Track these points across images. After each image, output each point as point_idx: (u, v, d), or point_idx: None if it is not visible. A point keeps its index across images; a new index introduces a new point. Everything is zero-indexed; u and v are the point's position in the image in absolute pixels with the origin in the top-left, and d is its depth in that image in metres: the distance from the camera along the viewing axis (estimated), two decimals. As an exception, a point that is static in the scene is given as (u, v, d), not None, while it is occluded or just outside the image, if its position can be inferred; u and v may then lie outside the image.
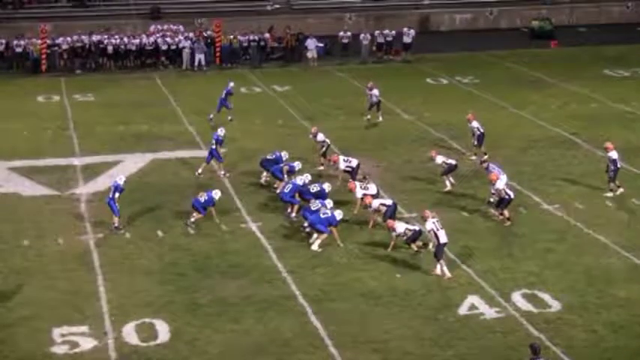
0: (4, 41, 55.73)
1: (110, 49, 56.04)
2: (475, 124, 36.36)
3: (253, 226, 29.96)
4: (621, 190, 32.67)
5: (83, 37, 56.19)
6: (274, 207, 31.50)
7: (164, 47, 56.53)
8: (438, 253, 26.27)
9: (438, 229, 26.46)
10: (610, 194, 32.52)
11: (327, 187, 30.69)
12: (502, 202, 30.13)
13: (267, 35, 58.81)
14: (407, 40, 59.00)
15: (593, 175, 34.46)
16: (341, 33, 59.18)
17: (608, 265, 26.82)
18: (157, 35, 57.44)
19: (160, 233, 29.44)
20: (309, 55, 57.26)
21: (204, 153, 36.58)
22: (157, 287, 25.56)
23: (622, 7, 72.35)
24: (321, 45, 58.29)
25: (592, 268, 26.63)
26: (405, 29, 59.14)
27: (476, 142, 36.31)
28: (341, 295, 25.02)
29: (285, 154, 33.45)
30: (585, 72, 53.09)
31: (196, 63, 55.97)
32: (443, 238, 26.38)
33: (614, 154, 32.53)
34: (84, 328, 23.27)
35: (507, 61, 56.66)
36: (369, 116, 41.51)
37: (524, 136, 38.83)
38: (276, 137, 39.04)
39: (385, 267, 26.62)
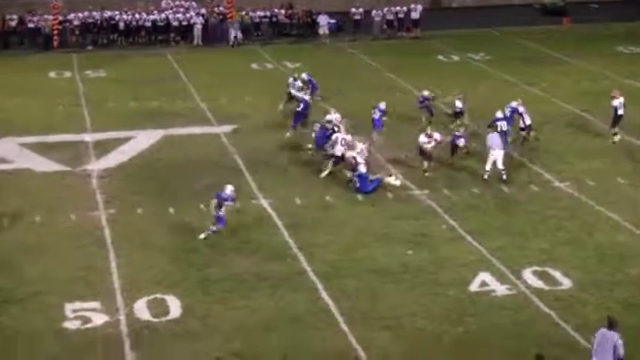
0: (16, 17, 55.72)
1: (122, 25, 56.02)
2: (616, 102, 35.44)
3: (264, 203, 29.92)
4: (618, 137, 34.12)
5: (94, 13, 56.14)
6: (285, 183, 31.46)
7: (175, 23, 56.44)
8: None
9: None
10: (617, 138, 34.37)
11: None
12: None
13: (280, 11, 58.66)
14: (415, 16, 58.90)
15: (605, 152, 34.38)
16: (353, 9, 58.99)
17: (620, 242, 26.72)
18: (169, 11, 57.35)
19: (171, 209, 29.43)
20: (321, 31, 57.12)
21: (216, 129, 36.66)
22: (169, 263, 25.57)
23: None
24: (332, 22, 58.14)
25: (603, 245, 26.54)
26: (412, 5, 59.01)
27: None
28: (352, 272, 24.98)
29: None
30: (597, 48, 52.84)
31: (232, 38, 55.90)
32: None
33: (615, 102, 34.67)
34: (96, 304, 23.27)
35: (519, 38, 56.43)
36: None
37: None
38: (287, 114, 38.84)
39: (396, 244, 26.56)
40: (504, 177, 31.40)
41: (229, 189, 27.39)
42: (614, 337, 18.58)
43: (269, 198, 30.26)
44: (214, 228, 27.04)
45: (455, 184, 31.28)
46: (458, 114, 36.68)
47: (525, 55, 51.23)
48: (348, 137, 32.40)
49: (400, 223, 28.15)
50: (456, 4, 69.22)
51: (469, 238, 27.01)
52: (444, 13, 64.97)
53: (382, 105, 35.76)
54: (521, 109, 35.01)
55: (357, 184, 30.53)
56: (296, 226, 27.98)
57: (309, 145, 33.81)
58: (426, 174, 32.16)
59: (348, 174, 31.34)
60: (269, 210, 29.38)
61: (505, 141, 33.03)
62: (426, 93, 37.97)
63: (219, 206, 27.00)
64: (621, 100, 35.71)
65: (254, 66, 50.12)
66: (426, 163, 32.48)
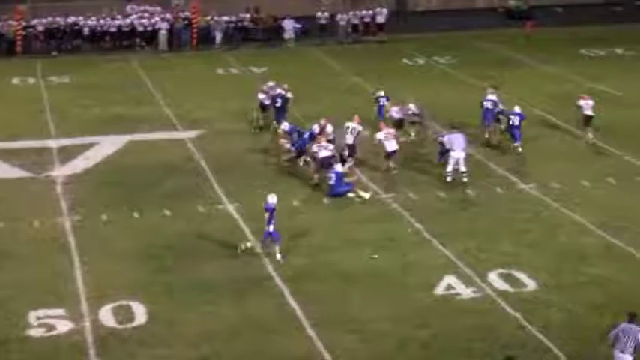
0: (-21, 23, 55.43)
1: (86, 30, 55.79)
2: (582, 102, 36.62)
3: (231, 208, 29.90)
4: (590, 136, 35.58)
5: (59, 18, 55.90)
6: (252, 188, 31.45)
7: (140, 29, 56.31)
8: None
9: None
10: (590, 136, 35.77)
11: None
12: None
13: (245, 16, 58.64)
14: (380, 20, 59.13)
15: (569, 155, 34.67)
16: (318, 14, 59.12)
17: (584, 244, 26.92)
18: (133, 17, 57.19)
19: (136, 215, 29.35)
20: (287, 36, 57.18)
21: (181, 135, 36.69)
22: (134, 269, 25.51)
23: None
24: (298, 26, 58.18)
25: (567, 247, 26.74)
26: (378, 9, 59.24)
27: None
28: (319, 276, 25.02)
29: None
30: (561, 52, 53.20)
31: (218, 41, 56.22)
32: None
33: (580, 102, 36.16)
34: (60, 311, 23.17)
35: (484, 41, 56.67)
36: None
37: (495, 126, 38.75)
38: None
39: (362, 248, 26.62)
40: (465, 179, 31.64)
41: (271, 197, 26.46)
42: (636, 330, 19.07)
43: (235, 203, 30.24)
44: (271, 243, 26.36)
45: (420, 188, 31.40)
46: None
47: (490, 59, 51.47)
48: (359, 127, 33.36)
49: (366, 227, 28.22)
50: (421, 8, 69.39)
51: (435, 241, 27.12)
52: (409, 17, 65.10)
53: (382, 92, 37.89)
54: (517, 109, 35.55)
55: (332, 182, 30.58)
56: (262, 231, 27.84)
57: (299, 159, 33.50)
58: (394, 172, 32.67)
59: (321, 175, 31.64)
60: (235, 215, 29.37)
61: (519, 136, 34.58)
62: (381, 93, 38.15)
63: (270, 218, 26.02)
64: (589, 102, 36.42)
65: (219, 71, 50.09)
66: (386, 163, 32.86)
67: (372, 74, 47.13)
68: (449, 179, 31.65)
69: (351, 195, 30.56)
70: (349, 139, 33.26)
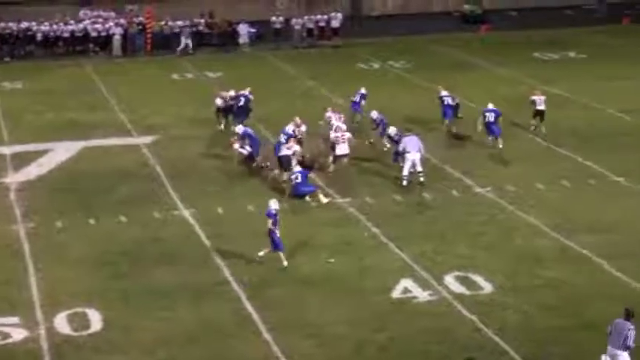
0: None
1: (39, 36, 55.45)
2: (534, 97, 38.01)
3: (186, 213, 29.83)
4: (542, 129, 37.33)
5: (11, 24, 55.49)
6: (207, 193, 31.42)
7: (94, 34, 56.03)
8: None
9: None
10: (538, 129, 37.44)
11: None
12: None
13: (200, 21, 58.53)
14: (335, 24, 59.32)
15: (524, 158, 34.91)
16: (273, 18, 59.19)
17: (539, 246, 27.12)
18: (87, 22, 56.89)
19: (91, 221, 29.21)
20: (242, 40, 57.16)
21: (136, 140, 36.58)
22: (89, 276, 25.37)
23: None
24: (253, 30, 58.19)
25: (523, 249, 26.92)
26: (333, 13, 59.43)
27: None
28: (275, 281, 25.02)
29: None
30: (516, 55, 53.61)
31: (182, 46, 56.02)
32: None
33: (533, 97, 37.70)
34: (15, 319, 22.99)
35: (439, 45, 56.98)
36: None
37: (456, 119, 39.01)
38: (208, 123, 38.79)
39: (319, 252, 26.66)
40: (422, 179, 31.85)
41: (273, 202, 26.25)
42: (627, 326, 19.37)
43: (191, 208, 30.18)
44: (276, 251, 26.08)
45: (376, 191, 31.49)
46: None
47: (445, 62, 51.75)
48: (348, 134, 33.52)
49: (323, 231, 28.27)
50: (376, 12, 69.61)
51: (391, 245, 27.21)
52: (365, 21, 65.30)
53: (363, 90, 38.91)
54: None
55: (299, 180, 30.62)
56: (219, 236, 27.94)
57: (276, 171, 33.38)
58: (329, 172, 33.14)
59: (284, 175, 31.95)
60: (191, 220, 29.31)
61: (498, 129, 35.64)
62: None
63: (273, 225, 25.85)
64: (541, 97, 37.68)
65: (174, 76, 49.99)
66: (332, 164, 33.29)
67: (327, 79, 47.28)
68: (405, 183, 31.79)
69: (308, 199, 30.58)
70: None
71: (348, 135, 33.37)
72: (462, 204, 30.62)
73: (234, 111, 38.03)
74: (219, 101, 38.25)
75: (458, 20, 66.48)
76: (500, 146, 35.53)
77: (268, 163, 33.49)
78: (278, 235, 25.72)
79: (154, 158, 35.21)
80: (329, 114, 36.09)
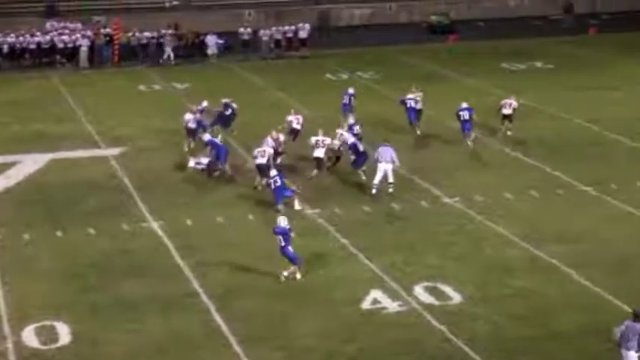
0: None
1: (5, 47, 55.15)
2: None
3: (155, 225, 29.73)
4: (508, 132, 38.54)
5: (-23, 36, 55.26)
6: (175, 205, 31.33)
7: (60, 45, 55.79)
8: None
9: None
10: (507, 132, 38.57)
11: None
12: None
13: (167, 32, 58.42)
14: (303, 35, 59.40)
15: (492, 168, 35.10)
16: (241, 29, 59.20)
17: (508, 256, 27.21)
18: (54, 33, 56.66)
19: (59, 234, 29.06)
20: (210, 51, 57.12)
21: (104, 152, 36.48)
22: (57, 288, 25.22)
23: (517, 2, 73.51)
24: (221, 42, 58.14)
25: (492, 259, 27.01)
26: (300, 24, 59.54)
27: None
28: (245, 292, 24.97)
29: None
30: (483, 66, 53.90)
31: (165, 57, 56.17)
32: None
33: (502, 102, 38.90)
34: (-18, 333, 22.88)
35: (407, 56, 57.17)
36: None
37: (424, 130, 39.16)
38: (176, 134, 38.67)
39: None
40: (391, 190, 31.94)
41: (282, 220, 26.01)
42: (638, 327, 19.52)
43: (159, 220, 30.08)
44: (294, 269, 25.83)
45: (345, 202, 31.51)
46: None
47: (413, 73, 51.85)
48: (328, 140, 33.56)
49: (291, 242, 28.16)
50: (343, 23, 69.79)
51: (360, 255, 27.22)
52: (333, 32, 65.44)
53: (351, 90, 40.45)
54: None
55: (278, 183, 30.51)
56: (187, 248, 27.86)
57: (258, 183, 33.34)
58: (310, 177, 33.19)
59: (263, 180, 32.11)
60: (160, 232, 29.21)
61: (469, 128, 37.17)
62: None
63: (286, 241, 25.58)
64: (509, 102, 38.74)
65: (141, 87, 49.89)
66: (315, 171, 33.17)
67: (295, 89, 47.32)
68: (374, 191, 31.85)
69: (280, 207, 30.49)
70: (319, 153, 33.37)
71: (328, 141, 33.39)
72: (430, 214, 30.70)
73: (223, 120, 38.59)
74: (188, 117, 37.02)
75: (425, 31, 66.71)
76: (470, 143, 36.52)
77: (232, 173, 33.72)
78: (291, 249, 25.46)
79: (121, 170, 35.09)
80: (290, 117, 37.00)
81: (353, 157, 33.58)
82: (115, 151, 37.62)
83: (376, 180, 31.97)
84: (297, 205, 30.87)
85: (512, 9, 72.76)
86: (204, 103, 38.42)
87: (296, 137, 36.75)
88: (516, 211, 30.92)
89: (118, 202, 31.65)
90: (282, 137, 34.53)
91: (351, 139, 33.82)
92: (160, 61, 56.20)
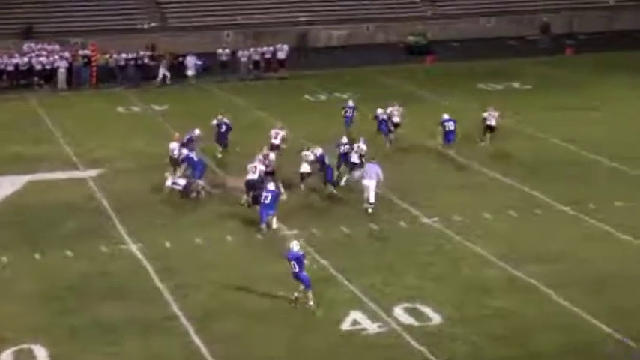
0: None
1: (-18, 69, 55.03)
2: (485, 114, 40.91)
3: (134, 247, 29.64)
4: (483, 143, 40.25)
5: (-46, 58, 55.08)
6: (154, 226, 31.26)
7: (38, 67, 55.67)
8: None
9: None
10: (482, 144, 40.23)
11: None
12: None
13: (145, 53, 58.42)
14: (281, 56, 59.52)
15: (470, 188, 35.18)
16: (219, 50, 59.21)
17: (487, 276, 27.26)
18: (32, 55, 56.55)
19: (37, 256, 28.92)
20: (189, 72, 57.13)
21: (82, 174, 36.37)
22: (35, 311, 25.09)
23: (493, 23, 73.88)
24: (199, 62, 58.17)
25: (470, 279, 27.05)
26: (279, 45, 59.67)
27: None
28: (223, 314, 24.91)
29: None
30: (461, 86, 54.07)
31: (160, 77, 56.20)
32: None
33: (485, 114, 40.40)
34: (-40, 356, 22.74)
35: (385, 76, 57.30)
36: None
37: (402, 150, 39.26)
38: (154, 156, 38.61)
39: (267, 284, 26.56)
40: (370, 210, 32.12)
41: (295, 244, 25.62)
42: None
43: (138, 242, 29.99)
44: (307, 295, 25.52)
45: (324, 223, 31.52)
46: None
47: (391, 94, 51.89)
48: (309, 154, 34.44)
49: (270, 263, 28.13)
50: (321, 44, 69.93)
51: (340, 276, 27.20)
52: (311, 53, 65.58)
53: (351, 102, 42.52)
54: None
55: (267, 201, 30.63)
56: (166, 270, 27.78)
57: (245, 201, 33.41)
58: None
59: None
60: (138, 254, 29.12)
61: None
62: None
63: (300, 266, 25.10)
64: (493, 113, 40.56)
65: (120, 109, 49.81)
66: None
67: (274, 110, 47.30)
68: (370, 210, 32.22)
69: (262, 227, 30.58)
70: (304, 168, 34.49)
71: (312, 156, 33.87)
72: (409, 234, 30.74)
73: (219, 135, 38.98)
74: (173, 145, 35.78)
75: (403, 51, 66.93)
76: (452, 153, 37.91)
77: (208, 189, 33.98)
78: (305, 273, 25.19)
79: (100, 192, 35.01)
80: (272, 131, 37.92)
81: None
82: (94, 172, 37.52)
83: (365, 196, 32.38)
84: (274, 224, 30.89)
85: (488, 29, 73.07)
86: (197, 132, 37.76)
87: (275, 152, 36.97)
88: (494, 231, 30.99)
89: (97, 224, 31.56)
90: (272, 156, 34.57)
91: (319, 152, 34.43)
92: (157, 82, 56.27)
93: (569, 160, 38.81)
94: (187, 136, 36.91)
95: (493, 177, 36.55)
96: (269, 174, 33.63)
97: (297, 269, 25.04)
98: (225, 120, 39.55)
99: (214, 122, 39.33)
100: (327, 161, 34.49)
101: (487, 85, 54.97)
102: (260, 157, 33.83)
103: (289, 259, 25.18)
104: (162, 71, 56.54)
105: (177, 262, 28.40)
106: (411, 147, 39.82)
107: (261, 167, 33.03)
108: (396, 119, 41.61)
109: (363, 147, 35.31)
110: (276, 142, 37.49)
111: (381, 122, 40.84)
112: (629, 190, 34.72)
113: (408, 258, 28.69)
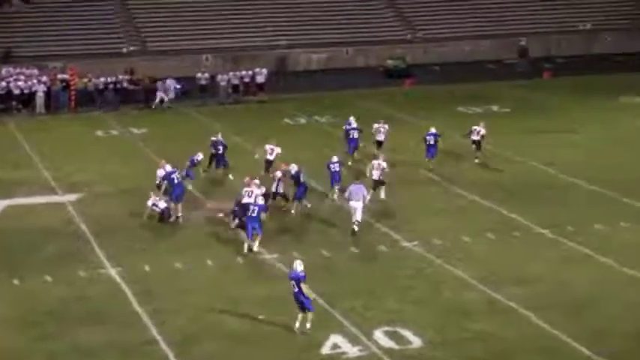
0: None
1: (-39, 94, 54.92)
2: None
3: (113, 272, 29.54)
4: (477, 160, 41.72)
5: None
6: (134, 250, 31.18)
7: (16, 91, 55.59)
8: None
9: None
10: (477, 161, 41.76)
11: None
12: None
13: (124, 77, 58.43)
14: (260, 79, 59.65)
15: (450, 211, 35.25)
16: (199, 74, 59.31)
17: (467, 300, 27.29)
18: (9, 79, 56.46)
19: (15, 281, 28.78)
20: (168, 96, 57.18)
21: (61, 198, 36.33)
22: (14, 337, 24.93)
23: (473, 47, 74.28)
24: (178, 87, 58.25)
25: (451, 303, 27.06)
26: (257, 69, 59.81)
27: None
28: (204, 339, 24.82)
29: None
30: (439, 109, 54.29)
31: (157, 100, 56.52)
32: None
33: (472, 128, 42.47)
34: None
35: (364, 100, 57.43)
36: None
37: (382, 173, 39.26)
38: (132, 179, 38.56)
39: (247, 308, 26.53)
40: (356, 229, 32.31)
41: (299, 264, 25.24)
42: None
43: (117, 266, 29.89)
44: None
45: (304, 246, 31.49)
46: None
47: (371, 117, 51.93)
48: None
49: (250, 287, 28.15)
50: (301, 68, 70.15)
51: (320, 300, 27.11)
52: (290, 77, 65.75)
53: (354, 124, 43.10)
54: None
55: (254, 214, 30.94)
56: (146, 294, 27.68)
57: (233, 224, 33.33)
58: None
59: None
60: (117, 279, 29.02)
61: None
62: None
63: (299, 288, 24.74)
64: (478, 128, 42.15)
65: (99, 133, 49.76)
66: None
67: (254, 134, 47.32)
68: (356, 229, 32.45)
69: (248, 242, 30.78)
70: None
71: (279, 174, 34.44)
72: (389, 258, 30.75)
73: (216, 157, 39.27)
74: (160, 172, 35.43)
75: (382, 75, 67.15)
76: (432, 167, 39.03)
77: (181, 215, 33.97)
78: (307, 295, 24.96)
79: (79, 216, 34.91)
80: (267, 146, 38.90)
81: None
82: (72, 197, 37.43)
83: (354, 218, 32.49)
84: (255, 247, 30.88)
85: (467, 53, 73.49)
86: (200, 156, 38.10)
87: (268, 169, 36.99)
88: (474, 254, 31.05)
89: (75, 249, 31.45)
90: (257, 180, 33.68)
91: (294, 169, 34.89)
92: (153, 105, 56.60)
93: (548, 183, 38.97)
94: (190, 159, 37.44)
95: (472, 200, 36.65)
96: (265, 195, 33.58)
97: (297, 289, 24.83)
98: (221, 138, 39.94)
99: (211, 140, 39.82)
100: (302, 179, 34.89)
101: (467, 108, 55.17)
102: (257, 180, 33.62)
103: (290, 279, 25.05)
104: (159, 95, 56.70)
105: (157, 286, 28.31)
106: (390, 170, 39.76)
107: (257, 191, 32.68)
108: (380, 137, 42.60)
109: (384, 164, 36.11)
110: (271, 157, 37.80)
111: (350, 140, 42.19)
112: (608, 212, 34.86)
113: (389, 281, 28.68)
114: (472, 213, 35.20)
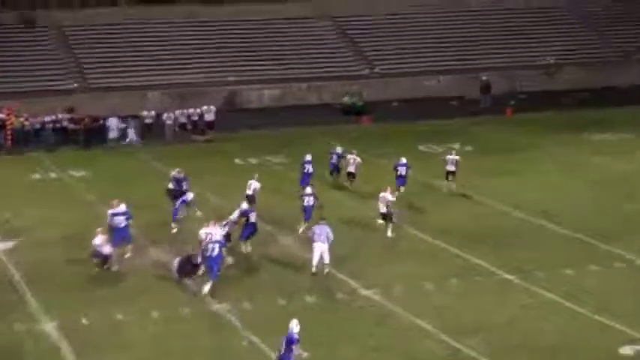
0: None
1: None
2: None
3: (48, 325, 28.87)
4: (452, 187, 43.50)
5: None
6: (71, 301, 30.55)
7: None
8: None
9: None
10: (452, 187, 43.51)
11: None
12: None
13: (64, 116, 57.85)
14: (209, 118, 59.32)
15: (411, 256, 34.97)
16: (144, 112, 58.94)
17: (428, 349, 26.97)
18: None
19: (-55, 337, 28.14)
20: (111, 135, 56.77)
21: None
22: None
23: (434, 82, 74.48)
24: (123, 125, 57.79)
25: (411, 352, 26.74)
26: (205, 107, 59.50)
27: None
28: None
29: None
30: (401, 148, 53.91)
31: (128, 140, 56.87)
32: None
33: (446, 157, 44.32)
34: None
35: (318, 138, 57.13)
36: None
37: (338, 217, 38.93)
38: (71, 225, 37.98)
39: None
40: (327, 270, 32.47)
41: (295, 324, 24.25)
42: None
43: (53, 320, 29.23)
44: None
45: (257, 296, 31.02)
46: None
47: (324, 156, 51.58)
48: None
49: (197, 341, 27.66)
50: (252, 105, 69.86)
51: (273, 355, 26.65)
52: (241, 114, 65.50)
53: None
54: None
55: (215, 252, 30.90)
56: (83, 349, 27.05)
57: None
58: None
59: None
60: (53, 332, 28.37)
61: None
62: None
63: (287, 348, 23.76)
64: (452, 157, 44.02)
65: (36, 176, 49.11)
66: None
67: (202, 175, 46.81)
68: (314, 270, 32.38)
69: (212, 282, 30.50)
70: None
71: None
72: (348, 306, 30.38)
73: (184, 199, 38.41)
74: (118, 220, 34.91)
75: (338, 111, 67.06)
76: (401, 191, 41.42)
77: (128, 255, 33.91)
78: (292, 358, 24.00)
79: (13, 265, 34.25)
80: (250, 182, 39.47)
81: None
82: (6, 244, 36.74)
83: (314, 260, 32.49)
84: (205, 289, 30.40)
85: (427, 89, 73.56)
86: (191, 195, 38.26)
87: (250, 204, 37.17)
88: (435, 301, 30.75)
89: (8, 301, 30.74)
90: (220, 224, 33.48)
91: (244, 206, 35.20)
92: (124, 142, 56.77)
93: (514, 226, 38.87)
94: (181, 200, 37.86)
95: (434, 244, 36.38)
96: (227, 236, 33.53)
97: (282, 352, 23.78)
98: (182, 175, 40.10)
99: (171, 175, 40.03)
100: (252, 219, 34.83)
101: (427, 146, 55.04)
102: (219, 223, 33.27)
103: (290, 342, 23.79)
104: (129, 133, 57.05)
105: (96, 340, 27.69)
106: (346, 212, 39.52)
107: (219, 231, 32.32)
108: (350, 168, 44.38)
109: (389, 197, 37.05)
110: (250, 192, 38.31)
111: (304, 173, 43.10)
112: (576, 256, 34.76)
113: (347, 331, 28.29)
114: (434, 258, 34.92)
